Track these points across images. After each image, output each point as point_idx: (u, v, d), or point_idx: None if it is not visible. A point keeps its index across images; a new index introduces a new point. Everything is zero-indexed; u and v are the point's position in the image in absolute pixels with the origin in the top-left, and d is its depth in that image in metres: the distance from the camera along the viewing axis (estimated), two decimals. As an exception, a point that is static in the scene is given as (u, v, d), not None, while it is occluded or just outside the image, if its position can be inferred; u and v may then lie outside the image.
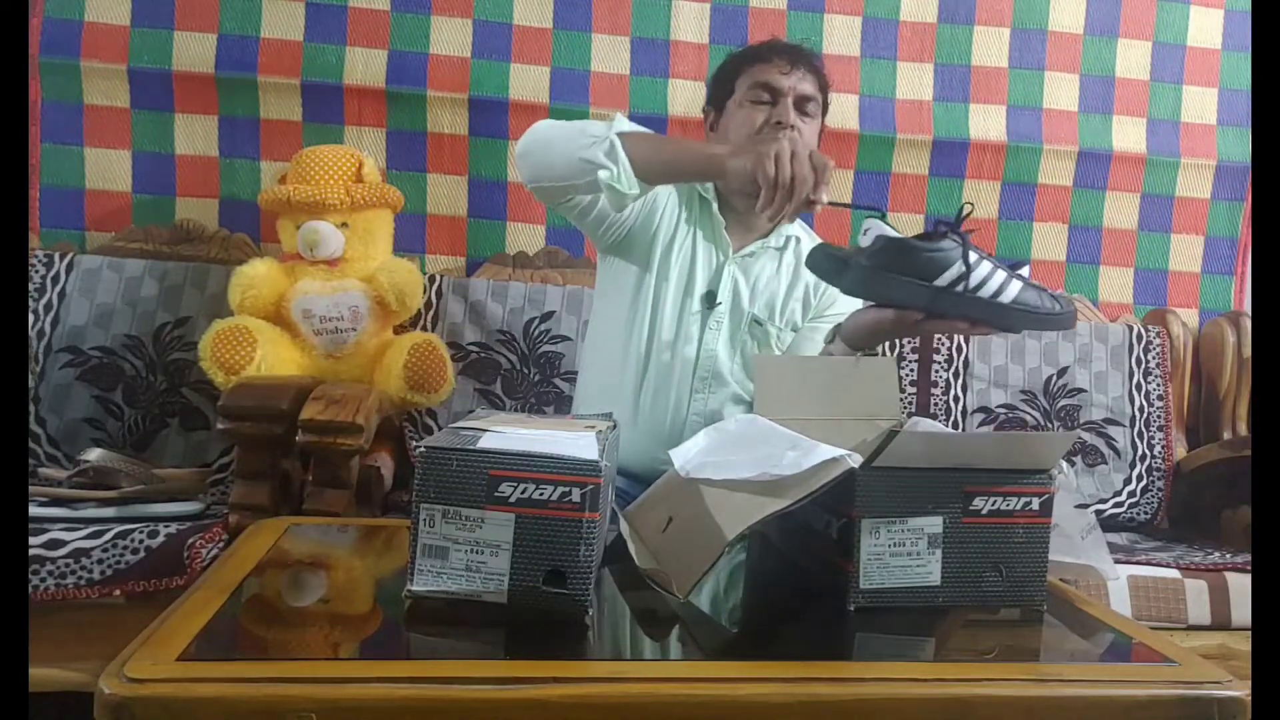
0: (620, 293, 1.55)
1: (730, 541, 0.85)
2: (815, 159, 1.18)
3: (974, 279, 1.14)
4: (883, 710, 0.74)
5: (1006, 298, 1.15)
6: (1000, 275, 1.15)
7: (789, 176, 1.16)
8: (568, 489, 0.82)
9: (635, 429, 1.48)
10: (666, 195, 1.54)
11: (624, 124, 1.37)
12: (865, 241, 1.16)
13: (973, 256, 1.14)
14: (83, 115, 1.98)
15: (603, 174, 1.32)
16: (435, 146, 2.05)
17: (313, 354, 1.79)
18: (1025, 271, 1.19)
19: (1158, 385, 2.08)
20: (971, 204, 1.24)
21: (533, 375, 1.94)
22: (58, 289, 1.86)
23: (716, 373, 1.51)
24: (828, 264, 1.21)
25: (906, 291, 1.16)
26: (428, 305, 1.94)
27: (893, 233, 1.15)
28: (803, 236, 1.59)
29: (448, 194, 2.07)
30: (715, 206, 1.54)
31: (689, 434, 1.44)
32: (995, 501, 0.93)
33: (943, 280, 1.14)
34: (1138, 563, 1.59)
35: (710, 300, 1.52)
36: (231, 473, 1.58)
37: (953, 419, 2.01)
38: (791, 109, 1.48)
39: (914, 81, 2.15)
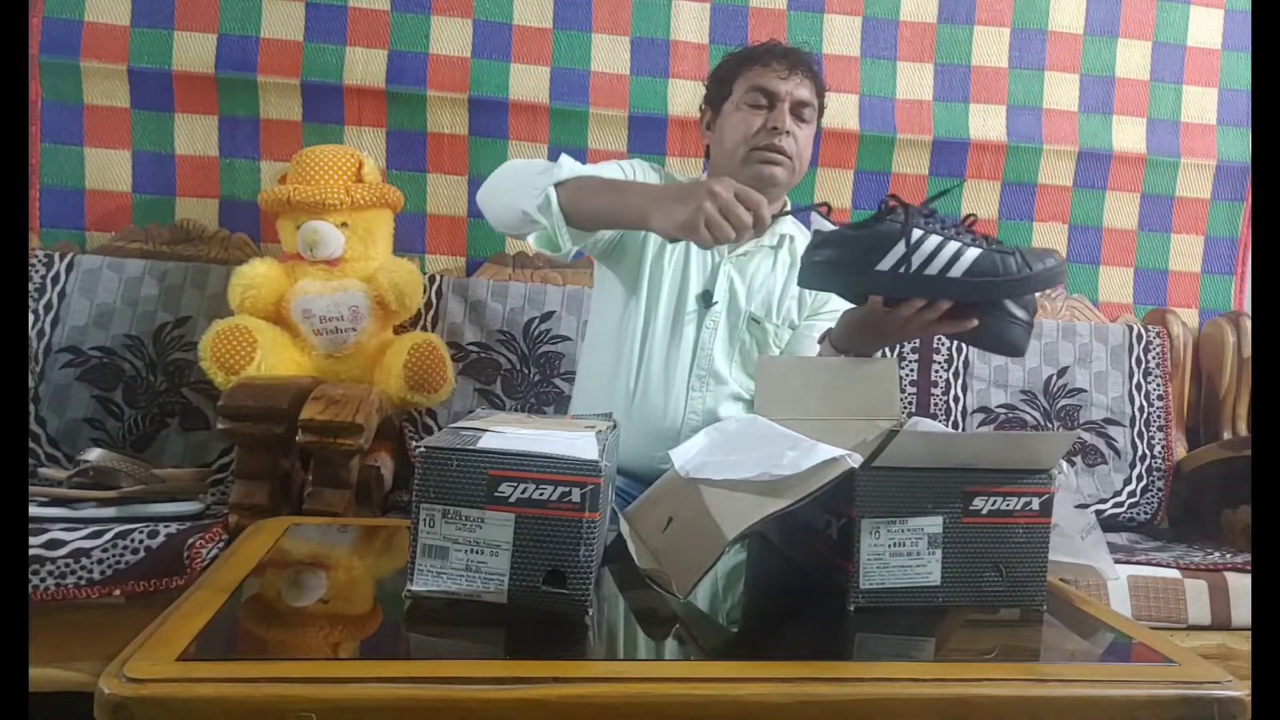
0: (615, 295, 1.55)
1: (730, 541, 0.85)
2: (745, 198, 1.13)
3: (915, 260, 1.07)
4: (883, 710, 0.74)
5: (957, 271, 1.07)
6: (952, 247, 1.07)
7: (727, 233, 1.12)
8: (568, 489, 0.82)
9: (633, 428, 1.49)
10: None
11: (565, 169, 1.32)
12: (814, 241, 1.13)
13: (915, 234, 1.06)
14: (83, 115, 1.98)
15: (532, 238, 1.34)
16: (435, 146, 2.05)
17: (313, 354, 1.79)
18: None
19: (1158, 385, 2.08)
20: (945, 190, 1.21)
21: (533, 375, 1.94)
22: (58, 289, 1.86)
23: (714, 372, 1.52)
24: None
25: (845, 282, 1.12)
26: (428, 305, 1.94)
27: (829, 226, 1.11)
28: (797, 235, 1.60)
29: (448, 194, 2.07)
30: None
31: (687, 433, 1.45)
32: (995, 501, 0.93)
33: (885, 265, 1.08)
34: (1138, 563, 1.59)
35: (706, 300, 1.52)
36: (231, 473, 1.58)
37: (953, 419, 2.01)
38: (788, 114, 1.47)
39: (914, 81, 2.15)
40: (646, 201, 1.21)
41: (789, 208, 1.59)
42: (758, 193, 1.15)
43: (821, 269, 1.13)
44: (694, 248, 1.54)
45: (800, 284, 1.18)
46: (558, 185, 1.29)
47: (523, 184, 1.32)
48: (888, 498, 0.91)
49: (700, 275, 1.54)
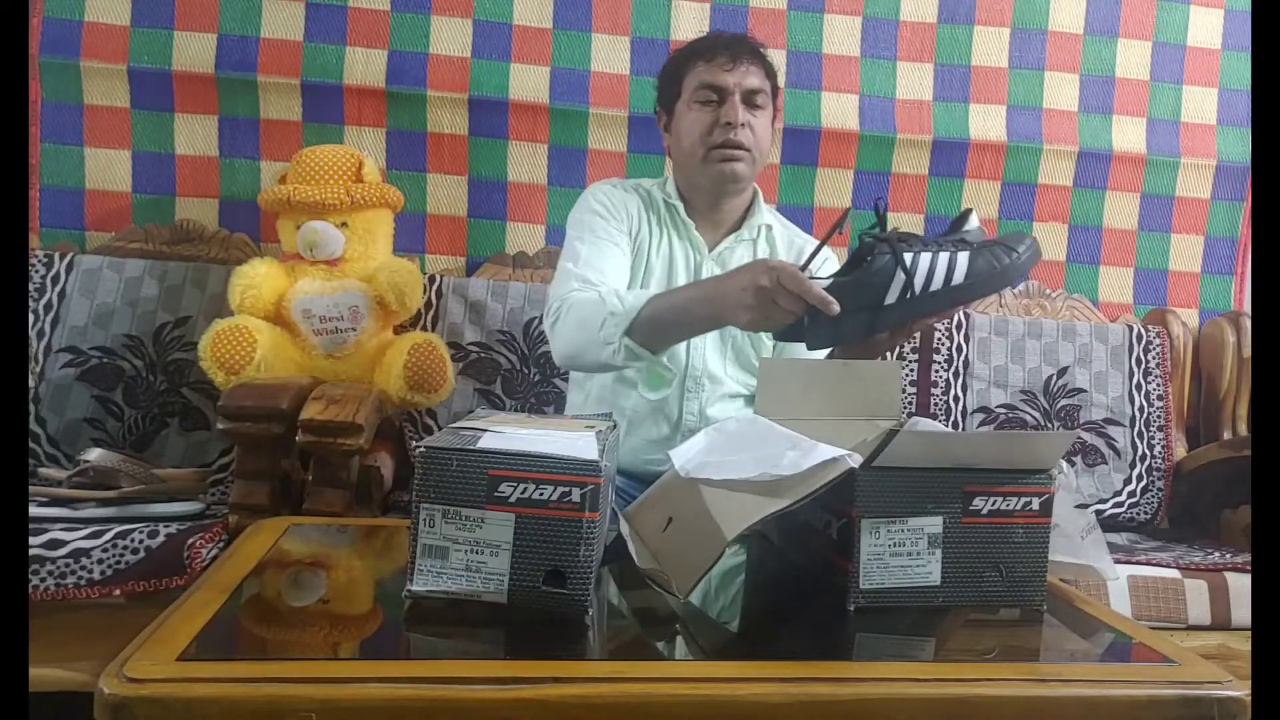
0: None
1: (730, 541, 0.85)
2: (788, 281, 1.12)
3: (918, 283, 1.11)
4: (883, 710, 0.74)
5: (958, 278, 1.12)
6: (944, 260, 1.12)
7: (789, 315, 1.14)
8: (568, 489, 0.82)
9: (630, 433, 1.48)
10: (635, 210, 1.54)
11: (623, 312, 1.31)
12: None
13: (908, 259, 1.11)
14: (83, 115, 1.98)
15: (627, 369, 1.39)
16: (435, 146, 2.05)
17: (313, 354, 1.79)
18: (973, 222, 1.16)
19: (1158, 385, 2.08)
20: (882, 198, 1.23)
21: (533, 375, 1.94)
22: (58, 289, 1.86)
23: (708, 372, 1.51)
24: (792, 331, 1.18)
25: (864, 325, 1.14)
26: (428, 305, 1.94)
27: (821, 280, 1.14)
28: (774, 224, 1.60)
29: (448, 194, 2.07)
30: (682, 210, 1.55)
31: (685, 435, 1.45)
32: (995, 501, 0.93)
33: (891, 298, 1.12)
34: (1138, 563, 1.59)
35: None
36: (231, 473, 1.58)
37: (953, 419, 2.01)
38: (739, 107, 1.46)
39: (914, 81, 2.15)
40: (716, 312, 1.24)
41: (761, 197, 1.59)
42: (790, 269, 1.14)
43: (833, 325, 1.13)
44: (676, 248, 1.55)
45: (812, 347, 1.20)
46: (629, 336, 1.31)
47: (592, 341, 1.33)
48: (888, 498, 0.91)
49: (686, 275, 1.54)
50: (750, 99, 1.49)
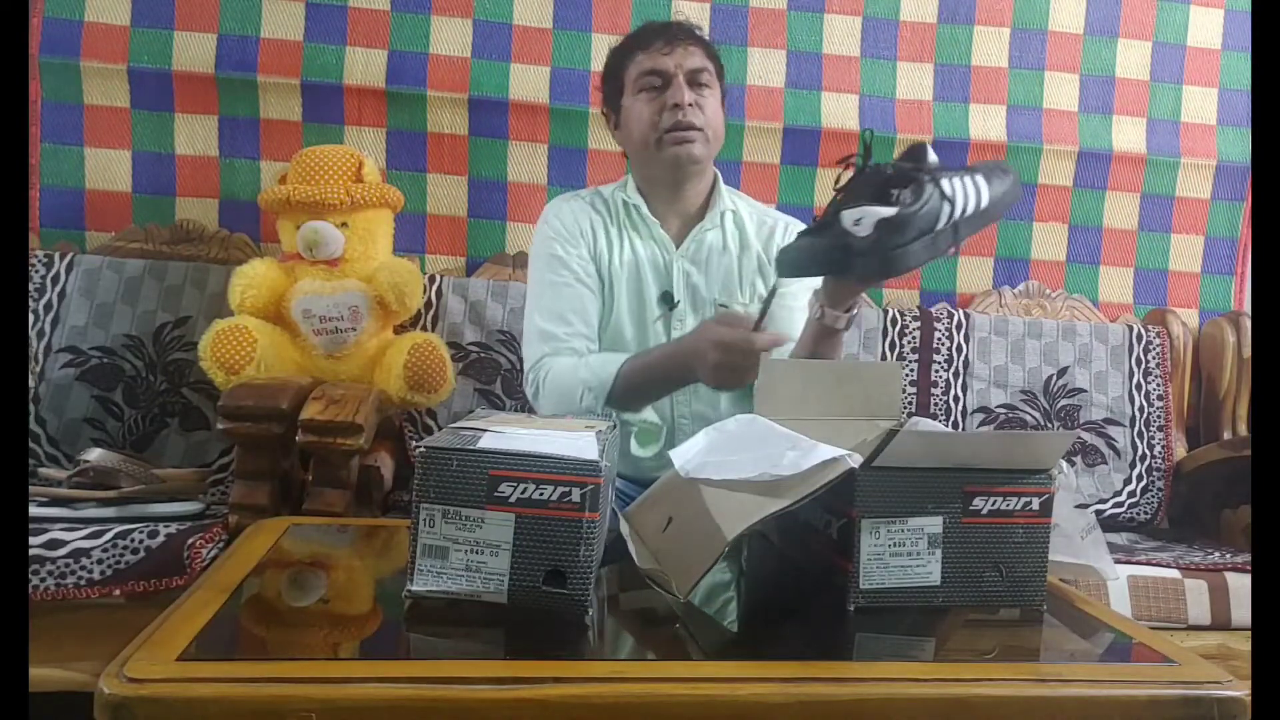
0: None
1: (730, 541, 0.85)
2: (748, 357, 1.21)
3: (959, 207, 1.16)
4: (883, 710, 0.74)
5: (985, 200, 1.19)
6: (970, 184, 1.18)
7: (749, 376, 1.19)
8: (568, 489, 0.82)
9: (625, 438, 1.48)
10: (589, 226, 1.53)
11: (598, 382, 1.38)
12: (861, 230, 1.15)
13: (946, 188, 1.16)
14: (83, 115, 1.98)
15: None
16: (435, 146, 2.05)
17: (313, 354, 1.79)
18: (932, 156, 1.19)
19: (1158, 385, 2.08)
20: (869, 129, 1.26)
21: (533, 375, 1.94)
22: (58, 289, 1.86)
23: None
24: (809, 256, 1.20)
25: (925, 253, 1.18)
26: (428, 305, 1.94)
27: (884, 211, 1.16)
28: (740, 206, 1.58)
29: (448, 194, 2.07)
30: (644, 208, 1.54)
31: (680, 437, 1.44)
32: (995, 501, 0.93)
33: (941, 223, 1.17)
34: (1138, 563, 1.59)
35: (668, 300, 1.50)
36: (231, 473, 1.58)
37: (953, 419, 2.01)
38: (684, 87, 1.45)
39: (914, 81, 2.15)
40: (689, 375, 1.33)
41: (721, 181, 1.57)
42: (735, 337, 1.23)
43: (895, 254, 1.17)
44: (641, 249, 1.53)
45: (865, 278, 1.25)
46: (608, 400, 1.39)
47: (576, 413, 1.36)
48: (888, 498, 0.91)
49: (656, 276, 1.52)
50: (695, 78, 1.47)
